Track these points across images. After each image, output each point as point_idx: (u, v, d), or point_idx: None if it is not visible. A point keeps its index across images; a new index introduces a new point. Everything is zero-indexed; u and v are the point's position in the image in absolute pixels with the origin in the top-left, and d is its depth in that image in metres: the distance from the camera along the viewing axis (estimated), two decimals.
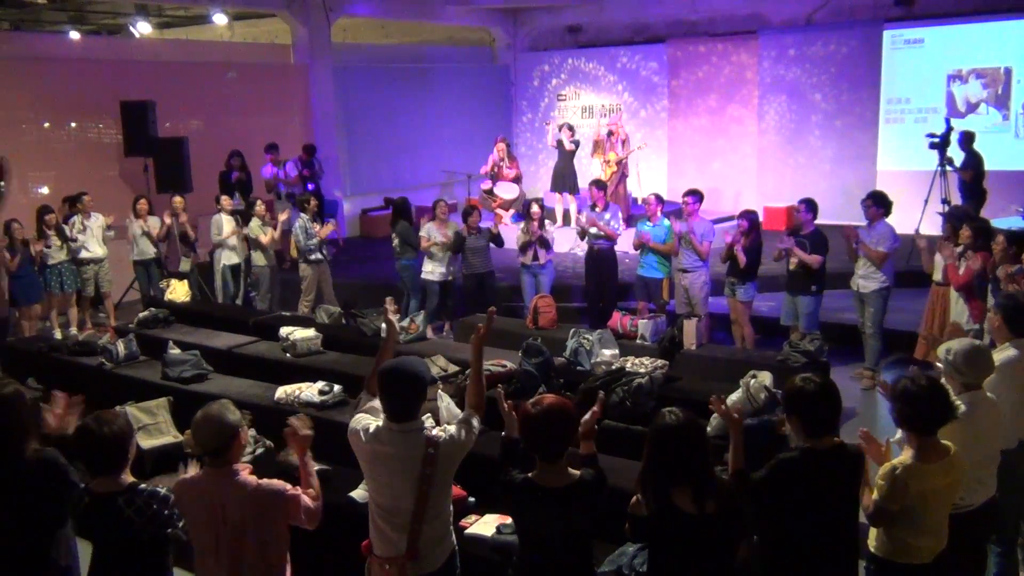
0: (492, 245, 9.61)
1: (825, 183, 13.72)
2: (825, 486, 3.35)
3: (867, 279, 7.80)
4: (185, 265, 10.52)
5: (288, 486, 3.40)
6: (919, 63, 13.51)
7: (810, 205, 8.03)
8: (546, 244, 9.45)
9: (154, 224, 10.35)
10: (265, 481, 3.39)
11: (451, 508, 3.58)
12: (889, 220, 7.88)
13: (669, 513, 3.12)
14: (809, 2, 14.38)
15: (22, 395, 3.61)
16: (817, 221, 8.10)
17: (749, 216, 8.27)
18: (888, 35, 13.65)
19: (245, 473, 3.38)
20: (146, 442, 5.44)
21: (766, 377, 5.26)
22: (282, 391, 5.99)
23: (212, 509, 3.31)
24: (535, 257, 9.37)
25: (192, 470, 3.58)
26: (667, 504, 3.12)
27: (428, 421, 3.72)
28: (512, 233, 10.13)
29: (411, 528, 3.34)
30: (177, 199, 10.52)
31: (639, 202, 11.79)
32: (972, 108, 13.21)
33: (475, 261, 9.51)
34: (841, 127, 14.24)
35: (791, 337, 7.26)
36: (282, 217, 10.38)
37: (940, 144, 11.17)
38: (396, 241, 9.79)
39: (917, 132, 12.49)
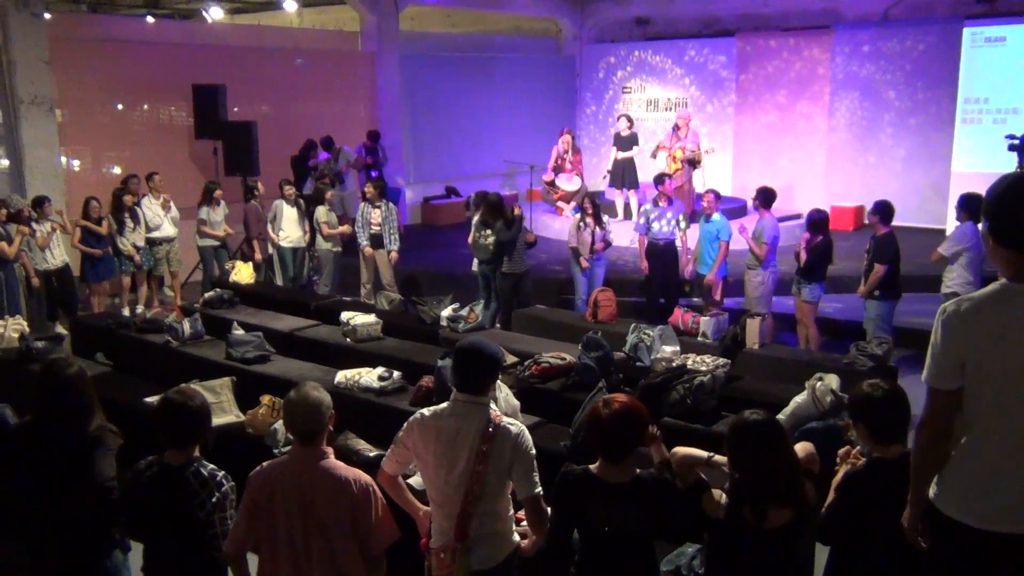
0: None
1: (896, 183, 13.36)
2: (892, 496, 3.24)
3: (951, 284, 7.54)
4: (269, 247, 10.73)
5: (376, 488, 3.26)
6: (1000, 62, 13.03)
7: (880, 209, 7.80)
8: (607, 243, 9.37)
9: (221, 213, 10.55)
10: (356, 471, 3.26)
11: (509, 518, 3.47)
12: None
13: (742, 520, 3.08)
14: None
15: (84, 373, 3.74)
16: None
17: (814, 215, 8.14)
18: (968, 32, 13.19)
19: (333, 458, 3.28)
20: None
21: (833, 380, 5.11)
22: (342, 375, 6.02)
23: (295, 492, 3.19)
24: (591, 251, 9.24)
25: None
26: (740, 512, 3.08)
27: (492, 405, 3.68)
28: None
29: (461, 509, 3.29)
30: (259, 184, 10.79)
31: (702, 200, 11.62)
32: None
33: (508, 259, 8.91)
34: (915, 126, 13.84)
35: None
36: (344, 229, 10.50)
37: (1020, 146, 10.78)
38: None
39: (995, 133, 12.06)
